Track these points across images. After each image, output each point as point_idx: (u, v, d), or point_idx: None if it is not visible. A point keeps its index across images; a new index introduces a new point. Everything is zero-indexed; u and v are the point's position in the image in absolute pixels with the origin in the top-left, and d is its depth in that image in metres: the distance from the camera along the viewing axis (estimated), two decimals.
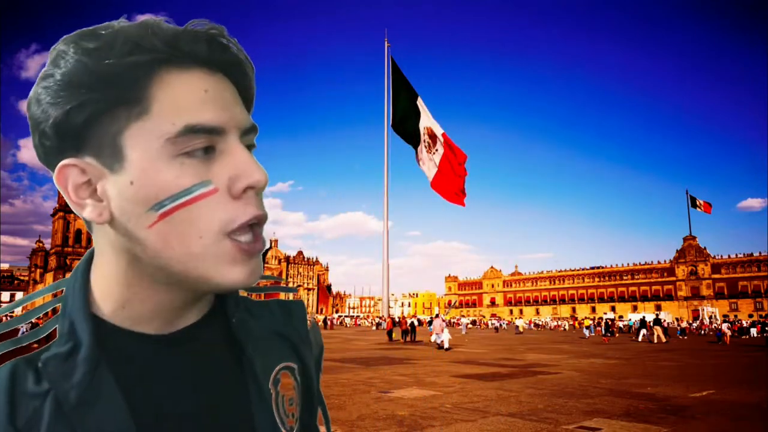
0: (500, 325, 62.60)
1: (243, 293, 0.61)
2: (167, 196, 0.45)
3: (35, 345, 0.49)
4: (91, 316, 0.48)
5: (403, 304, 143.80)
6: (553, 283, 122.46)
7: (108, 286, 0.50)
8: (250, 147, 0.51)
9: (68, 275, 0.52)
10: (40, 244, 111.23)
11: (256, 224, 0.48)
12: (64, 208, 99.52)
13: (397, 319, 42.76)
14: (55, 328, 0.49)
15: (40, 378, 0.45)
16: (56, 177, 0.47)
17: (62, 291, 0.51)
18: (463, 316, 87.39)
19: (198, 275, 0.47)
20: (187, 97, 0.45)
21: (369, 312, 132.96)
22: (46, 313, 0.52)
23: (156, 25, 0.46)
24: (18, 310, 0.53)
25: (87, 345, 0.46)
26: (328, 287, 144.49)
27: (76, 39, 0.46)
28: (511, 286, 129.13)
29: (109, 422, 0.44)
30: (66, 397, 0.44)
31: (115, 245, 0.48)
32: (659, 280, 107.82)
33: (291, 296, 0.72)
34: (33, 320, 0.50)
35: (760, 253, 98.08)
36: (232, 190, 0.47)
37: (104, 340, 0.48)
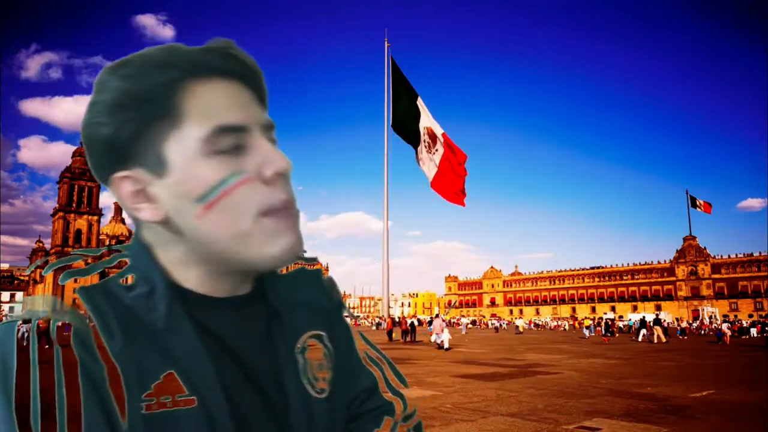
0: (500, 325, 62.60)
1: None
2: (208, 188, 0.53)
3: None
4: (160, 267, 0.57)
5: (403, 304, 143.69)
6: (553, 283, 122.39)
7: (172, 261, 0.58)
8: (272, 142, 0.59)
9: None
10: (40, 244, 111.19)
11: (283, 210, 0.56)
12: (64, 208, 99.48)
13: (397, 319, 42.75)
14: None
15: (128, 307, 0.54)
16: (112, 189, 0.55)
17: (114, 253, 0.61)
18: (463, 316, 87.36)
19: (251, 252, 0.54)
20: (212, 103, 0.54)
21: (369, 312, 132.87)
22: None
23: (177, 47, 0.55)
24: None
25: (162, 287, 0.55)
26: None
27: (114, 67, 0.54)
28: (511, 286, 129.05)
29: (191, 348, 0.53)
30: (155, 325, 0.53)
31: (171, 241, 0.57)
32: (659, 280, 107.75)
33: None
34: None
35: (760, 253, 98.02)
36: (262, 176, 0.55)
37: (176, 289, 0.56)
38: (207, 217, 0.53)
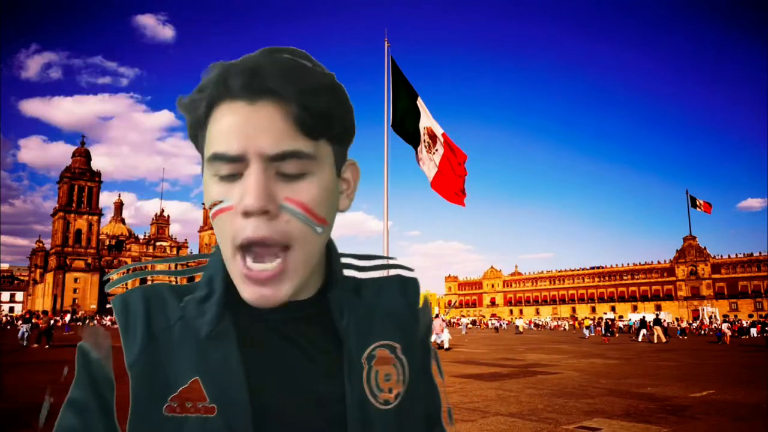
0: (500, 325, 62.63)
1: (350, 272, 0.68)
2: (209, 203, 0.56)
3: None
4: (226, 273, 0.58)
5: None
6: (553, 283, 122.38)
7: None
8: (290, 174, 0.54)
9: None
10: (40, 244, 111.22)
11: (259, 247, 0.53)
12: (64, 208, 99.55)
13: None
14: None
15: (180, 307, 0.58)
16: None
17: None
18: (463, 316, 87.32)
19: (234, 279, 0.56)
20: (222, 128, 0.53)
21: None
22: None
23: (216, 65, 0.56)
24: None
25: (219, 293, 0.58)
26: None
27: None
28: (511, 286, 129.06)
29: (227, 358, 0.55)
30: (198, 331, 0.56)
31: None
32: (659, 280, 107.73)
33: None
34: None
35: (760, 253, 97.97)
36: (239, 209, 0.53)
37: (233, 295, 0.57)
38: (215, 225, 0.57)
